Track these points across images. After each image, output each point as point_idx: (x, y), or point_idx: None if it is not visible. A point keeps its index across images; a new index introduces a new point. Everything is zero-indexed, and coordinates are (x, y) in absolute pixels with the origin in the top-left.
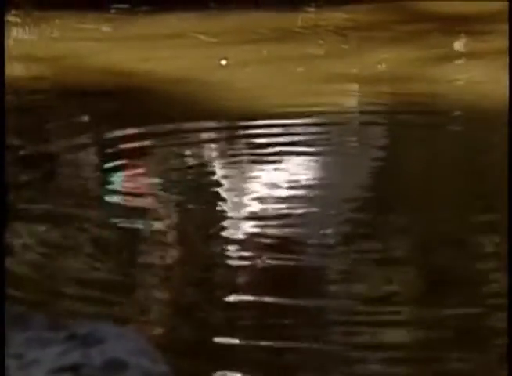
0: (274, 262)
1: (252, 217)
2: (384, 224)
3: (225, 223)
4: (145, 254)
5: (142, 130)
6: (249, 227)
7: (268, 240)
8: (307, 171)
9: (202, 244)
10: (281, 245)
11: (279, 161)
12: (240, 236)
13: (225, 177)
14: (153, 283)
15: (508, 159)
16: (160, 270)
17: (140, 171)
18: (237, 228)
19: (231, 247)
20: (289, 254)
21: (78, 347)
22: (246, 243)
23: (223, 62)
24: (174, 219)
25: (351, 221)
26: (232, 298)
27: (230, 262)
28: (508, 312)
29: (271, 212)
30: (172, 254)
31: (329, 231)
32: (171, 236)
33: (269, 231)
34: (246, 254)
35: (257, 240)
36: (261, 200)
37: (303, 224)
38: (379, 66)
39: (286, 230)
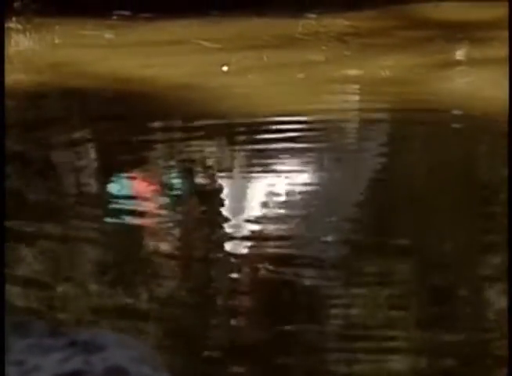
0: (270, 283)
1: (249, 236)
2: (384, 244)
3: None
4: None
5: (143, 137)
6: (244, 248)
7: (265, 260)
8: (306, 185)
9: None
10: (278, 264)
11: (279, 171)
12: (236, 256)
13: (224, 186)
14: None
15: (508, 168)
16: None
17: (142, 182)
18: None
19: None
20: (286, 275)
21: (79, 354)
22: (243, 261)
23: (225, 68)
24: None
25: (350, 241)
26: (229, 322)
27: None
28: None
29: (268, 232)
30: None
31: (327, 251)
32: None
33: (266, 251)
34: (244, 270)
35: (253, 260)
36: (258, 219)
37: (301, 243)
38: (380, 72)
39: (284, 250)
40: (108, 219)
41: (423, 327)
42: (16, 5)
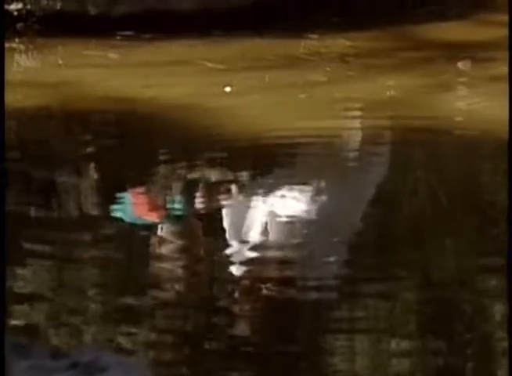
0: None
1: (250, 259)
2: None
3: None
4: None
5: (145, 158)
6: (245, 271)
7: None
8: (308, 207)
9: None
10: (280, 285)
11: (280, 193)
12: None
13: (225, 208)
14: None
15: (509, 186)
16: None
17: (143, 203)
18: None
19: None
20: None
21: (81, 375)
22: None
23: (227, 88)
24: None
25: (351, 263)
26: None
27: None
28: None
29: (269, 254)
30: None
31: (328, 274)
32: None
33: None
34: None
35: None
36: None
37: (302, 267)
38: (381, 92)
39: (285, 273)
40: (109, 240)
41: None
42: (19, 26)
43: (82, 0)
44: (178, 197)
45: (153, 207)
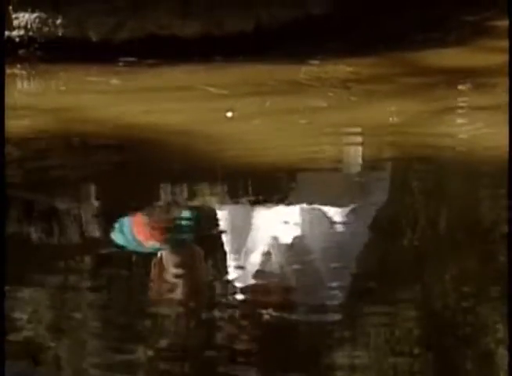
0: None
1: (246, 288)
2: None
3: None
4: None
5: (145, 182)
6: (244, 298)
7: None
8: (308, 234)
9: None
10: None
11: (280, 218)
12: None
13: (226, 233)
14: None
15: (508, 213)
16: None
17: (144, 227)
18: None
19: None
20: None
21: None
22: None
23: (228, 114)
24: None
25: (353, 288)
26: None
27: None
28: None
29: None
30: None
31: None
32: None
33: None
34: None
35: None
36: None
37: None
38: (382, 118)
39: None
40: (110, 267)
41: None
42: (21, 51)
43: (84, 26)
44: (179, 222)
45: (154, 233)
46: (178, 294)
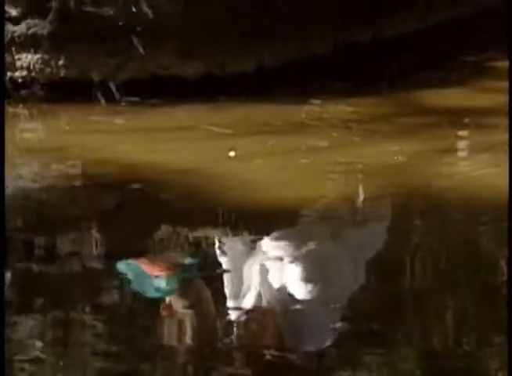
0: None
1: (245, 326)
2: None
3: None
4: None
5: (148, 222)
6: (240, 337)
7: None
8: (308, 272)
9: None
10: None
11: (282, 257)
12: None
13: (226, 272)
14: None
15: (508, 253)
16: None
17: (149, 265)
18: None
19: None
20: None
21: None
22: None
23: (231, 153)
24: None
25: (349, 330)
26: None
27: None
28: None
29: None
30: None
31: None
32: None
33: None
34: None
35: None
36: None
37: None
38: (382, 158)
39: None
40: (114, 304)
41: None
42: (23, 92)
43: (86, 67)
44: (182, 262)
45: (159, 271)
46: (187, 337)
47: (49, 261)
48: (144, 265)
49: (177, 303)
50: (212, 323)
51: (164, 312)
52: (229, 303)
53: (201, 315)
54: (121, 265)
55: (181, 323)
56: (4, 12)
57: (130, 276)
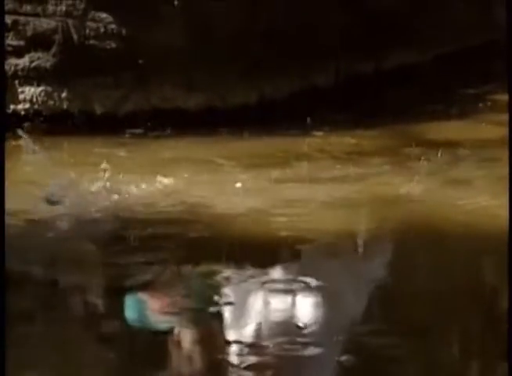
0: None
1: (246, 361)
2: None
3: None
4: None
5: (152, 256)
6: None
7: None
8: (310, 308)
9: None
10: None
11: (284, 290)
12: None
13: (231, 305)
14: None
15: (508, 286)
16: None
17: (155, 301)
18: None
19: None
20: None
21: None
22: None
23: (238, 184)
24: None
25: (353, 364)
26: None
27: None
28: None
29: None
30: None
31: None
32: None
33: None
34: None
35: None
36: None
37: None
38: (385, 190)
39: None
40: (118, 341)
41: None
42: (26, 125)
43: (89, 99)
44: (188, 296)
45: (164, 307)
46: (194, 371)
47: (51, 298)
48: (150, 305)
49: (184, 337)
50: (219, 356)
51: (171, 347)
52: (232, 336)
53: (208, 349)
54: (128, 300)
55: (188, 357)
56: (4, 46)
57: (133, 310)
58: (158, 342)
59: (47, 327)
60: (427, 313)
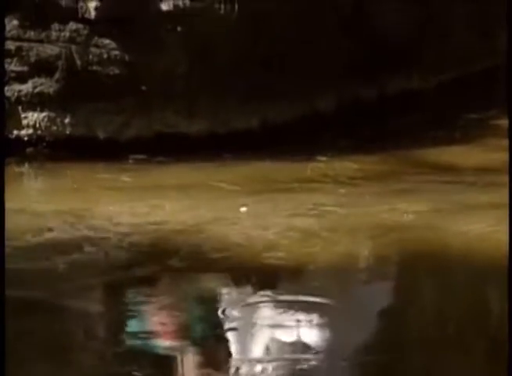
0: None
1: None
2: None
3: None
4: None
5: (155, 279)
6: None
7: None
8: (312, 335)
9: None
10: None
11: (286, 312)
12: None
13: (233, 331)
14: None
15: (508, 311)
16: None
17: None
18: None
19: None
20: None
21: None
22: None
23: (243, 209)
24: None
25: None
26: None
27: None
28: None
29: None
30: None
31: None
32: None
33: None
34: None
35: None
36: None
37: None
38: (387, 216)
39: None
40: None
41: None
42: (28, 150)
43: (92, 125)
44: (191, 321)
45: (170, 332)
46: None
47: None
48: (153, 328)
49: (188, 362)
50: None
51: (176, 372)
52: (238, 359)
53: (213, 373)
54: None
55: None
56: (4, 70)
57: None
58: (165, 366)
59: None
60: (430, 338)
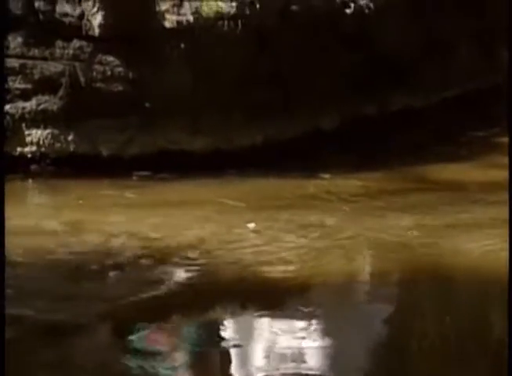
0: None
1: None
2: None
3: None
4: None
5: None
6: None
7: None
8: (314, 351)
9: None
10: None
11: (289, 330)
12: None
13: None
14: None
15: (508, 329)
16: None
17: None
18: None
19: None
20: None
21: None
22: None
23: (251, 225)
24: None
25: None
26: None
27: None
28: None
29: None
30: None
31: None
32: None
33: None
34: None
35: None
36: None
37: None
38: (390, 233)
39: None
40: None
41: None
42: (32, 167)
43: (95, 142)
44: (190, 335)
45: (168, 341)
46: None
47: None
48: (153, 342)
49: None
50: None
51: None
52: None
53: None
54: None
55: None
56: (4, 87)
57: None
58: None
59: None
60: (433, 355)
